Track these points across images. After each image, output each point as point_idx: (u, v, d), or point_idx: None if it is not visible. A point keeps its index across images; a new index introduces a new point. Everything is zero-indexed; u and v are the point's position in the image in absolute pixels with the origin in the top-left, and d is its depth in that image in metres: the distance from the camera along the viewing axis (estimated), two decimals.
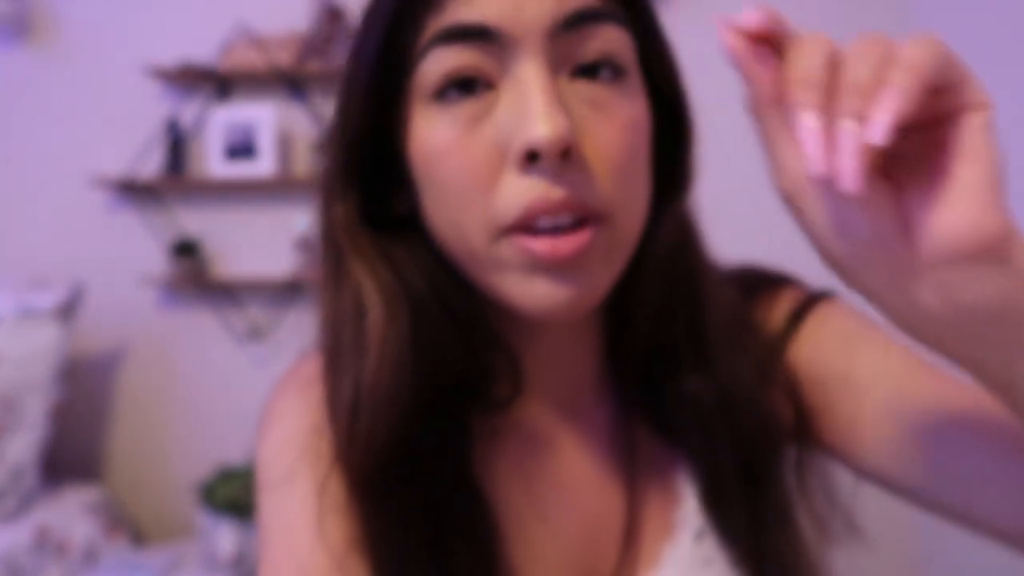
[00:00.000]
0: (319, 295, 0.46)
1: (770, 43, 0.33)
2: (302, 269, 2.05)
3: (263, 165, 2.06)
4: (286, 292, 2.13)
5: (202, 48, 2.14)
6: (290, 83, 2.13)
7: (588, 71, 0.40)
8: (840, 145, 0.28)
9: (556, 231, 0.38)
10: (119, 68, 2.16)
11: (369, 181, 0.45)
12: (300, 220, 2.06)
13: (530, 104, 0.37)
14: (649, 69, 0.44)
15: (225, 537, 1.74)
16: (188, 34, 2.15)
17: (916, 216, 0.30)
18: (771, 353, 0.53)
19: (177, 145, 2.10)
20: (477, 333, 0.46)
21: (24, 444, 1.82)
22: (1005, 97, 1.69)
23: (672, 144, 0.47)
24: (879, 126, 0.27)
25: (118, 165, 2.16)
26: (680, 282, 0.48)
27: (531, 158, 0.38)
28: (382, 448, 0.43)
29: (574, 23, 0.39)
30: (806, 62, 0.30)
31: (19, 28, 2.18)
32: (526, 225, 0.39)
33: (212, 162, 2.10)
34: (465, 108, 0.40)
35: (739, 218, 1.59)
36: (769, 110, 0.32)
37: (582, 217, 0.39)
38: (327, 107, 2.12)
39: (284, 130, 2.13)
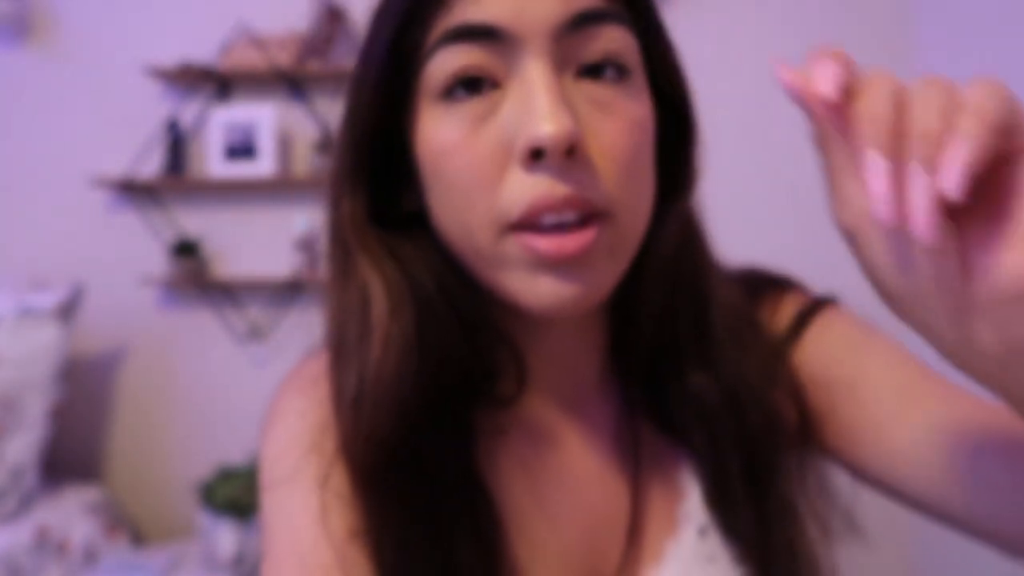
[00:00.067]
0: (326, 291, 0.47)
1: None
2: (302, 269, 2.06)
3: (263, 165, 2.06)
4: (286, 292, 2.13)
5: (202, 48, 2.14)
6: (290, 83, 2.13)
7: (593, 71, 0.41)
8: (913, 194, 0.28)
9: (561, 229, 0.39)
10: (119, 68, 2.16)
11: (377, 179, 0.46)
12: (300, 220, 2.07)
13: (535, 103, 0.38)
14: (653, 69, 0.45)
15: (225, 537, 1.74)
16: (188, 34, 2.15)
17: (976, 255, 0.30)
18: (775, 354, 0.53)
19: (177, 145, 2.10)
20: (482, 330, 0.46)
21: (24, 444, 1.82)
22: None
23: (676, 144, 0.47)
24: (953, 177, 0.27)
25: (118, 165, 2.16)
26: (684, 281, 0.49)
27: (536, 156, 0.38)
28: (384, 441, 0.43)
29: (579, 24, 0.39)
30: (875, 105, 0.30)
31: (19, 28, 2.18)
32: (531, 223, 0.39)
33: (212, 162, 2.10)
34: (471, 107, 0.40)
35: (739, 218, 1.59)
36: (833, 144, 0.32)
37: (586, 215, 0.39)
38: (327, 107, 2.12)
39: (284, 130, 2.14)
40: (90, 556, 1.78)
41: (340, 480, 0.44)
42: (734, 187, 1.72)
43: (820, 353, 0.53)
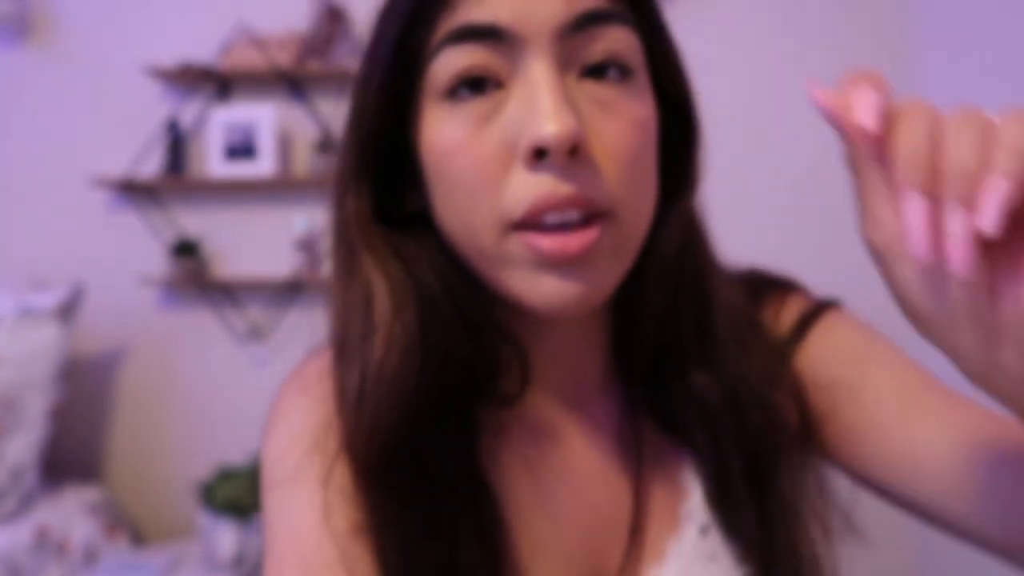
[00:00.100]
0: (330, 290, 0.47)
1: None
2: (302, 269, 2.06)
3: (263, 165, 2.06)
4: (286, 292, 2.13)
5: (202, 48, 2.14)
6: (290, 83, 2.13)
7: (596, 71, 0.41)
8: (950, 231, 0.28)
9: (564, 228, 0.39)
10: (119, 68, 2.16)
11: (382, 178, 0.46)
12: (300, 220, 2.07)
13: (539, 102, 0.38)
14: (656, 69, 0.45)
15: (225, 537, 1.74)
16: (188, 34, 2.15)
17: (1005, 281, 0.30)
18: (778, 355, 0.53)
19: (177, 145, 2.10)
20: (486, 328, 0.47)
21: (24, 444, 1.82)
22: (1005, 95, 1.69)
23: (679, 144, 0.48)
24: (990, 215, 0.27)
25: (118, 165, 2.16)
26: (687, 281, 0.49)
27: (539, 155, 0.39)
28: (386, 437, 0.43)
29: (582, 24, 0.40)
30: (912, 139, 0.30)
31: (19, 28, 2.18)
32: (534, 222, 0.39)
33: (212, 162, 2.10)
34: (475, 107, 0.40)
35: (738, 218, 1.59)
36: (865, 166, 0.32)
37: (589, 214, 0.39)
38: (327, 107, 2.12)
39: (284, 130, 2.14)
40: (90, 556, 1.78)
41: (343, 477, 0.45)
42: (732, 187, 1.72)
43: (823, 355, 0.53)
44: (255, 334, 2.15)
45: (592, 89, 0.41)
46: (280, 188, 2.14)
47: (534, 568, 0.47)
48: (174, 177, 2.10)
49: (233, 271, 2.17)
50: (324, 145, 2.06)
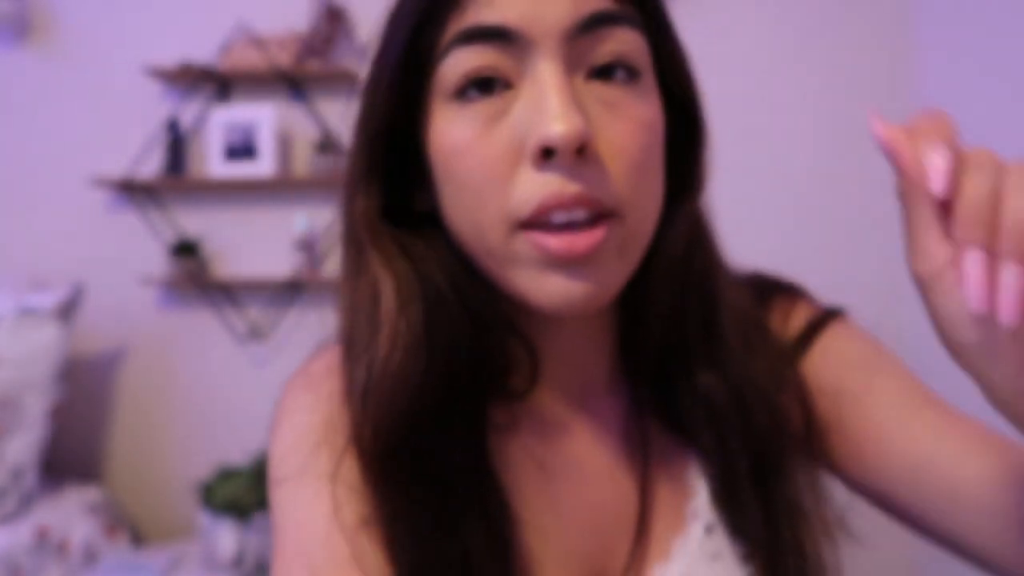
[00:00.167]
0: (339, 288, 0.48)
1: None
2: (302, 269, 2.06)
3: (263, 165, 2.06)
4: (286, 292, 2.13)
5: (202, 48, 2.14)
6: (290, 83, 2.13)
7: (603, 72, 0.41)
8: (1004, 285, 0.30)
9: (571, 227, 0.39)
10: (119, 68, 2.16)
11: (391, 178, 0.47)
12: (300, 220, 2.07)
13: (547, 103, 0.38)
14: (663, 71, 0.46)
15: (225, 537, 1.74)
16: (188, 34, 2.15)
17: None
18: (784, 359, 0.54)
19: (177, 145, 2.11)
20: (494, 325, 0.47)
21: (24, 444, 1.82)
22: (1005, 94, 1.69)
23: (685, 145, 0.48)
24: None
25: (118, 165, 2.16)
26: (693, 281, 0.49)
27: (546, 154, 0.39)
28: (391, 432, 0.44)
29: (590, 26, 0.40)
30: (975, 195, 0.31)
31: (19, 28, 2.18)
32: (541, 221, 0.40)
33: (212, 162, 2.10)
34: (484, 107, 0.41)
35: (736, 217, 1.60)
36: (917, 200, 0.33)
37: (596, 214, 0.40)
38: (327, 107, 2.13)
39: (284, 130, 2.14)
40: (90, 556, 1.79)
41: (351, 472, 0.45)
42: (731, 186, 1.72)
43: (830, 363, 0.54)
44: (255, 334, 2.15)
45: (599, 90, 0.41)
46: (280, 188, 2.14)
47: (541, 563, 0.47)
48: (174, 177, 2.10)
49: (233, 271, 2.17)
50: (324, 145, 2.06)
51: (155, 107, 2.17)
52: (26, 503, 1.80)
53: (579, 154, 0.39)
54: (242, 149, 2.08)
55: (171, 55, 2.11)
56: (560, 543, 0.48)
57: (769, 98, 2.01)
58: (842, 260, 1.94)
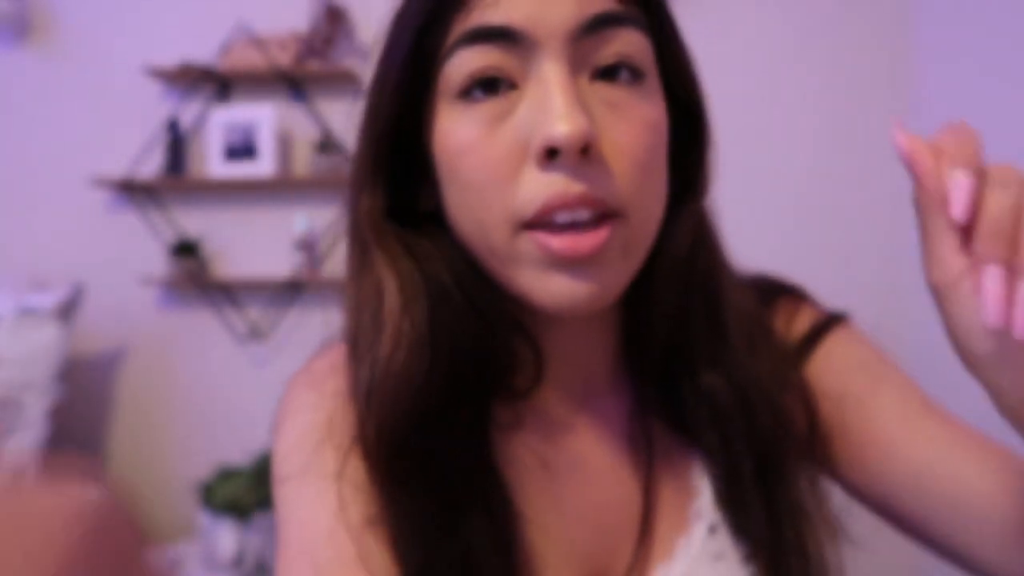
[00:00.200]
0: (344, 286, 0.48)
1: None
2: (302, 269, 2.06)
3: (263, 165, 2.07)
4: (286, 292, 2.13)
5: (202, 48, 2.14)
6: (290, 83, 2.13)
7: (607, 73, 0.41)
8: (1020, 301, 0.31)
9: (575, 227, 0.39)
10: (119, 68, 2.16)
11: (396, 177, 0.47)
12: (300, 220, 2.07)
13: (551, 103, 0.39)
14: (667, 71, 0.46)
15: (225, 537, 1.74)
16: (188, 34, 2.15)
17: None
18: (788, 360, 0.54)
19: (177, 145, 2.11)
20: (499, 324, 0.47)
21: (24, 444, 1.82)
22: (1005, 94, 1.69)
23: (689, 146, 0.48)
24: None
25: (118, 165, 2.16)
26: (697, 281, 0.49)
27: (551, 154, 0.39)
28: (395, 430, 0.44)
29: (595, 27, 0.40)
30: (996, 213, 0.32)
31: (19, 28, 2.18)
32: (545, 221, 0.40)
33: (212, 162, 2.10)
34: (489, 107, 0.41)
35: (736, 217, 1.60)
36: (933, 210, 0.34)
37: (600, 214, 0.40)
38: (327, 107, 2.13)
39: (284, 130, 2.14)
40: None
41: (356, 470, 0.45)
42: (731, 186, 1.72)
43: (833, 368, 0.54)
44: (255, 334, 2.15)
45: (604, 91, 0.41)
46: (280, 188, 2.14)
47: (545, 561, 0.47)
48: (174, 177, 2.10)
49: (233, 271, 2.17)
50: (324, 145, 2.06)
51: (155, 107, 2.17)
52: None
53: (583, 154, 0.39)
54: (242, 149, 2.08)
55: (171, 55, 2.11)
56: (563, 542, 0.48)
57: (769, 98, 2.01)
58: (842, 260, 1.94)
